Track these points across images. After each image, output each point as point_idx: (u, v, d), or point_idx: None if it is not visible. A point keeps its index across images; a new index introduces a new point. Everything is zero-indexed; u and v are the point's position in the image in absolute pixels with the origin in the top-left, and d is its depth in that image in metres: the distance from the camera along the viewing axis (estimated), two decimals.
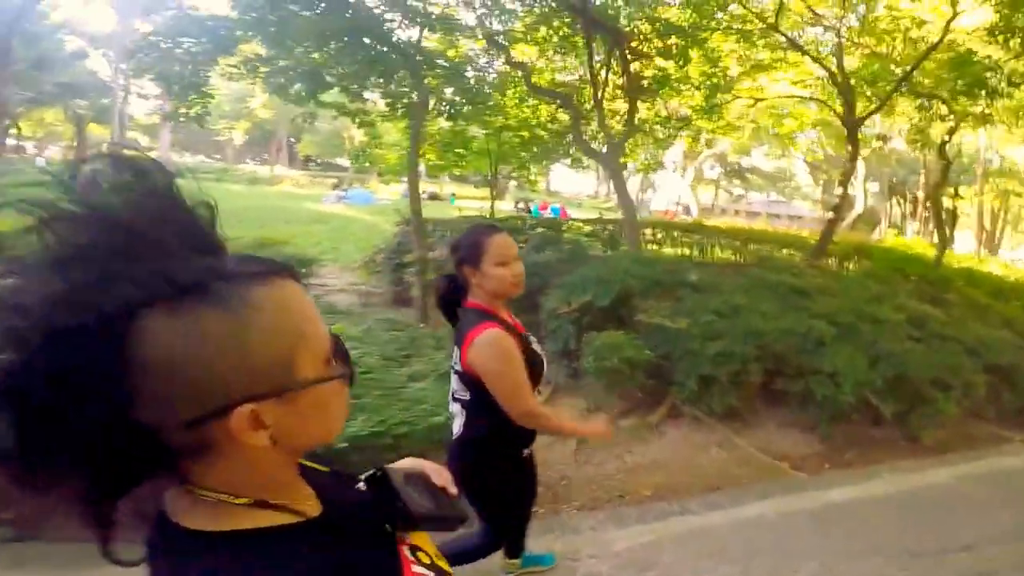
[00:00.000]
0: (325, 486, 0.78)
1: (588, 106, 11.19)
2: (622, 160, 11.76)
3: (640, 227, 10.89)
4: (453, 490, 0.92)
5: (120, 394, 0.57)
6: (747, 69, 12.93)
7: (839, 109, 11.37)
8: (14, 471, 0.57)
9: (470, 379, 2.00)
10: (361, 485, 0.85)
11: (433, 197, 34.99)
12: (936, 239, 13.27)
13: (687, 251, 10.99)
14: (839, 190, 11.46)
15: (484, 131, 12.59)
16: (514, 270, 2.04)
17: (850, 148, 11.34)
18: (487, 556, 2.35)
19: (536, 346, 2.17)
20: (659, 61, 10.84)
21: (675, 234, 12.40)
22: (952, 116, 11.80)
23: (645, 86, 11.07)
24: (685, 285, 6.84)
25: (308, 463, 0.80)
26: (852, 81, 11.05)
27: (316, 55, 8.86)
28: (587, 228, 12.35)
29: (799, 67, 12.62)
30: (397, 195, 29.96)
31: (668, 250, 11.09)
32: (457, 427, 2.12)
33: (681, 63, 10.60)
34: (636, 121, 14.42)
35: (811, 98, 13.14)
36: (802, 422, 5.65)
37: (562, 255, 8.26)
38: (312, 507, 0.72)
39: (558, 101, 11.42)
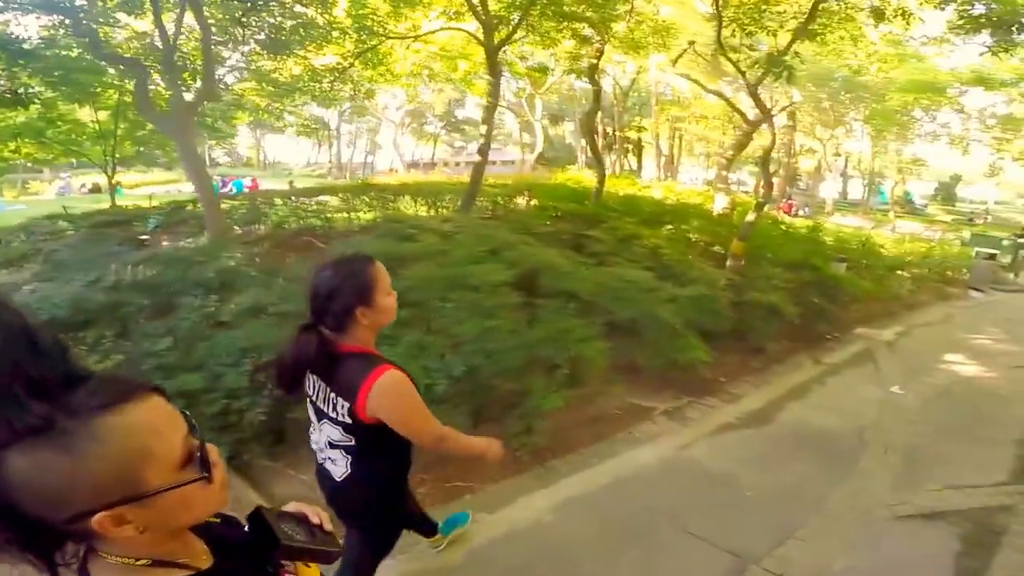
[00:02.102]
0: (217, 534, 0.94)
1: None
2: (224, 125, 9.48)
3: (243, 203, 8.38)
4: (328, 527, 1.05)
5: (4, 499, 0.71)
6: (395, 4, 11.13)
7: (482, 38, 9.76)
8: None
9: (363, 426, 1.88)
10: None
11: (94, 190, 30.13)
12: (607, 169, 12.53)
13: (314, 221, 8.61)
14: (483, 128, 9.84)
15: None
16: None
17: (491, 79, 9.77)
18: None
19: None
20: (298, 8, 10.03)
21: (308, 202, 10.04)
22: (599, 39, 10.92)
23: (280, 38, 10.25)
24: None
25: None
26: (494, 5, 9.57)
27: None
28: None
29: None
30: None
31: (292, 223, 8.58)
32: (340, 471, 2.00)
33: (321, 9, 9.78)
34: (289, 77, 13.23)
35: (449, 27, 11.38)
36: None
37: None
38: (204, 560, 0.88)
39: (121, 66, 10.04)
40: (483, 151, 9.75)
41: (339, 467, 2.00)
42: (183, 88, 9.11)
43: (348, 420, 1.89)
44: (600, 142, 30.45)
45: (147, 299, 4.64)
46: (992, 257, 13.13)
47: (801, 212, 26.60)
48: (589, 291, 5.14)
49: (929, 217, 32.35)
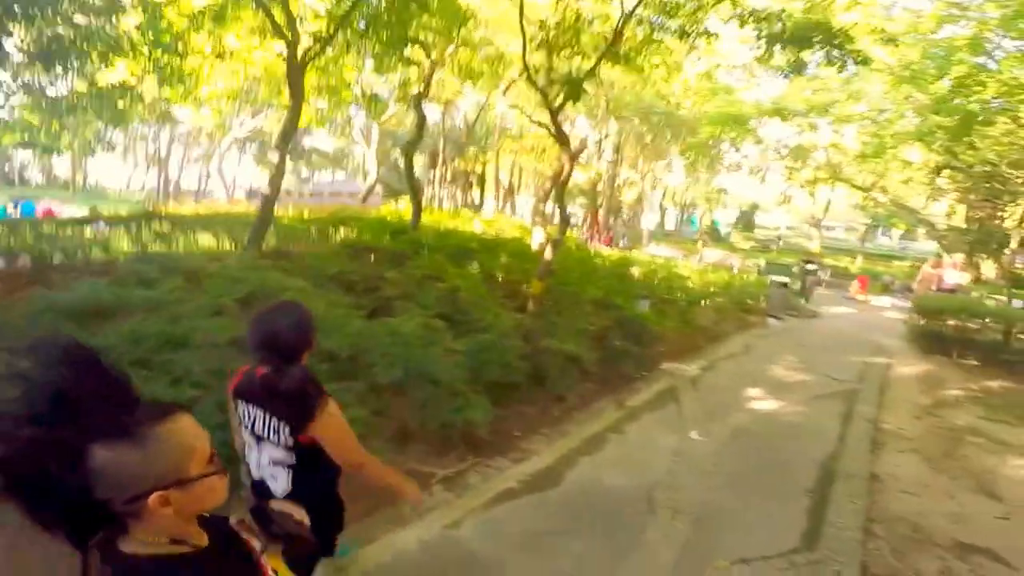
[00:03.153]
0: (212, 525, 1.19)
1: None
2: None
3: None
4: (307, 522, 1.44)
5: (83, 485, 0.96)
6: (193, 15, 9.76)
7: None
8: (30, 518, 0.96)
9: (302, 446, 2.11)
10: (233, 521, 1.30)
11: None
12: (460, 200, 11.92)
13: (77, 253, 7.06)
14: (275, 156, 8.79)
15: None
16: None
17: (292, 101, 8.79)
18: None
19: None
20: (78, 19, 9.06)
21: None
22: (429, 63, 10.37)
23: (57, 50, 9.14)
24: None
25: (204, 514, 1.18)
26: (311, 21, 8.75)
27: None
28: None
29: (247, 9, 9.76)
30: None
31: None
32: (281, 487, 2.19)
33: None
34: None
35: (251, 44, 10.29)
36: None
37: None
38: (203, 541, 1.13)
39: None
40: (274, 182, 8.70)
41: (280, 483, 2.19)
42: None
43: (292, 443, 2.11)
44: (439, 174, 30.03)
45: None
46: (785, 285, 14.17)
47: (621, 243, 27.66)
48: (351, 348, 4.38)
49: (731, 245, 35.03)
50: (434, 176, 29.31)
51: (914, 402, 7.70)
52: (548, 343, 5.97)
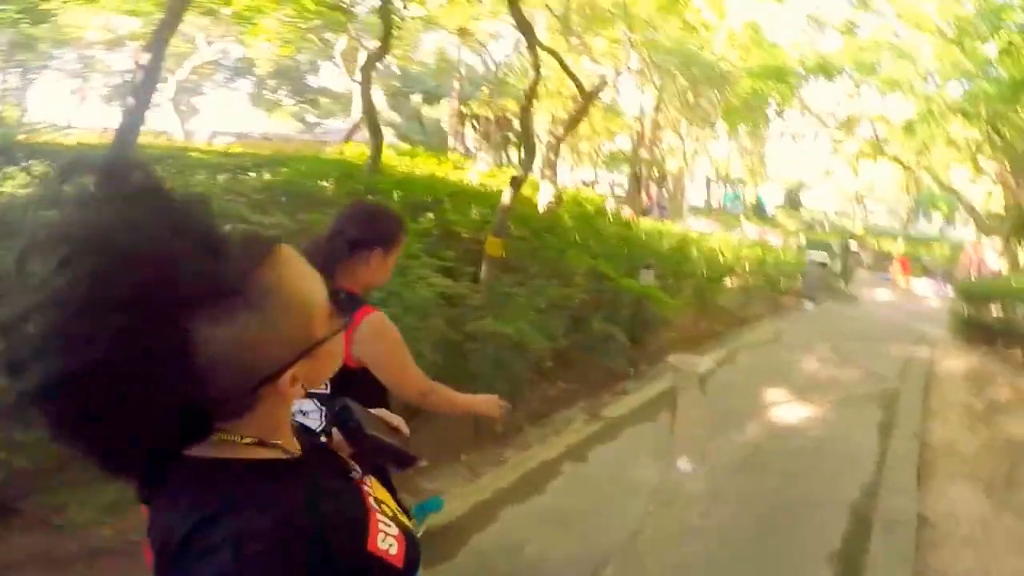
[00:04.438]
0: (302, 432, 0.90)
1: None
2: None
3: None
4: (406, 431, 1.08)
5: (197, 379, 0.65)
6: None
7: None
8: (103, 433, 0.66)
9: (340, 371, 1.25)
10: (323, 437, 0.98)
11: None
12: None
13: None
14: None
15: None
16: None
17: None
18: None
19: None
20: None
21: None
22: None
23: None
24: None
25: None
26: None
27: None
28: None
29: None
30: None
31: None
32: (316, 423, 1.69)
33: None
34: None
35: None
36: None
37: None
38: (295, 448, 0.81)
39: None
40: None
41: (312, 420, 1.73)
42: None
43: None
44: (475, 128, 27.63)
45: None
46: (824, 265, 12.64)
47: (658, 213, 26.05)
48: None
49: (775, 222, 33.26)
50: (462, 130, 26.33)
51: (964, 405, 6.33)
52: (482, 325, 4.33)
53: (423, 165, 11.92)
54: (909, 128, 18.57)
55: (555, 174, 12.44)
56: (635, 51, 13.91)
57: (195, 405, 0.67)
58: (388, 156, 12.26)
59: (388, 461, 1.01)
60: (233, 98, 36.08)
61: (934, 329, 10.55)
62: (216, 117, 34.74)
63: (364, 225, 1.84)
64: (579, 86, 10.02)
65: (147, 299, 0.62)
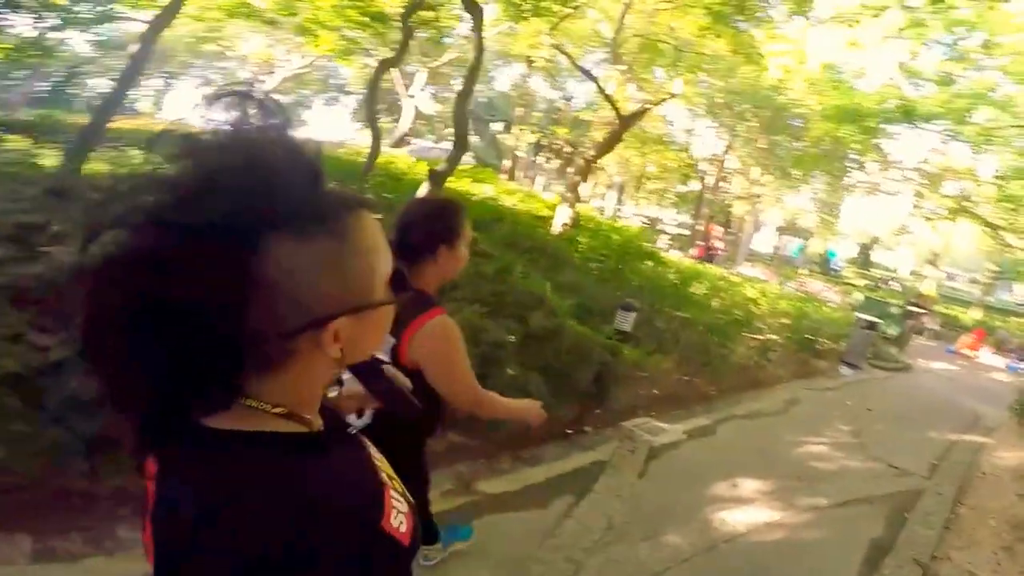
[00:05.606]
0: (324, 408, 0.85)
1: None
2: None
3: None
4: (408, 384, 1.12)
5: (238, 303, 0.63)
6: None
7: None
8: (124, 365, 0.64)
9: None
10: (337, 390, 0.99)
11: None
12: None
13: None
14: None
15: None
16: None
17: None
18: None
19: None
20: None
21: None
22: None
23: None
24: None
25: None
26: None
27: None
28: None
29: None
30: None
31: None
32: (363, 420, 1.64)
33: None
34: None
35: None
36: None
37: None
38: (318, 423, 0.79)
39: None
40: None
41: (362, 416, 1.70)
42: None
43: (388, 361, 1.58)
44: (553, 161, 27.81)
45: None
46: (873, 327, 11.04)
47: (714, 259, 24.51)
48: None
49: (841, 279, 30.95)
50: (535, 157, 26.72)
51: (1008, 518, 4.90)
52: None
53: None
54: (1000, 184, 17.17)
55: (577, 197, 11.61)
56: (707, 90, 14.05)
57: (237, 336, 0.63)
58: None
59: (399, 406, 1.02)
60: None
61: (996, 411, 8.97)
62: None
63: (422, 227, 1.83)
64: (616, 110, 10.25)
65: (248, 205, 0.63)
